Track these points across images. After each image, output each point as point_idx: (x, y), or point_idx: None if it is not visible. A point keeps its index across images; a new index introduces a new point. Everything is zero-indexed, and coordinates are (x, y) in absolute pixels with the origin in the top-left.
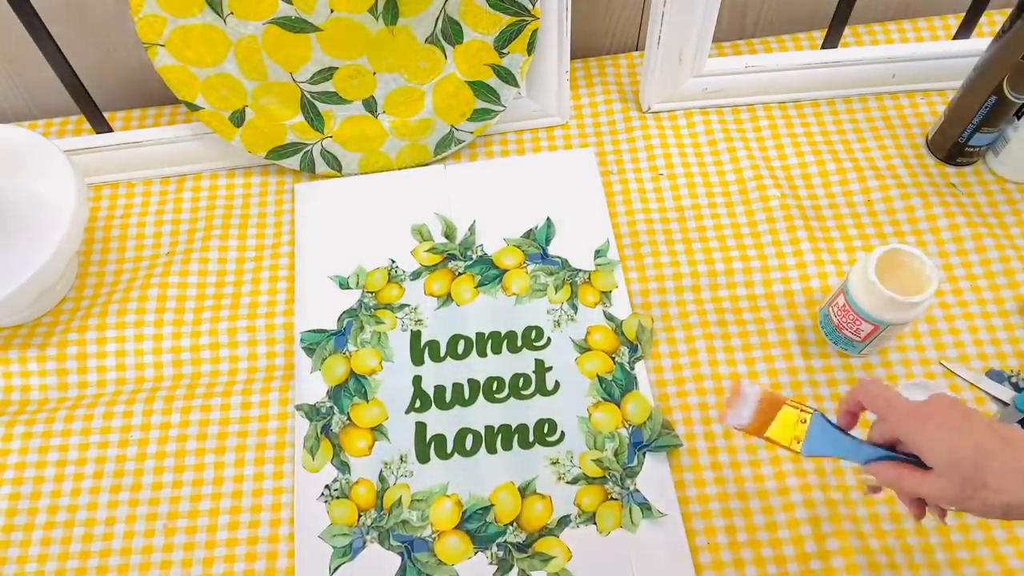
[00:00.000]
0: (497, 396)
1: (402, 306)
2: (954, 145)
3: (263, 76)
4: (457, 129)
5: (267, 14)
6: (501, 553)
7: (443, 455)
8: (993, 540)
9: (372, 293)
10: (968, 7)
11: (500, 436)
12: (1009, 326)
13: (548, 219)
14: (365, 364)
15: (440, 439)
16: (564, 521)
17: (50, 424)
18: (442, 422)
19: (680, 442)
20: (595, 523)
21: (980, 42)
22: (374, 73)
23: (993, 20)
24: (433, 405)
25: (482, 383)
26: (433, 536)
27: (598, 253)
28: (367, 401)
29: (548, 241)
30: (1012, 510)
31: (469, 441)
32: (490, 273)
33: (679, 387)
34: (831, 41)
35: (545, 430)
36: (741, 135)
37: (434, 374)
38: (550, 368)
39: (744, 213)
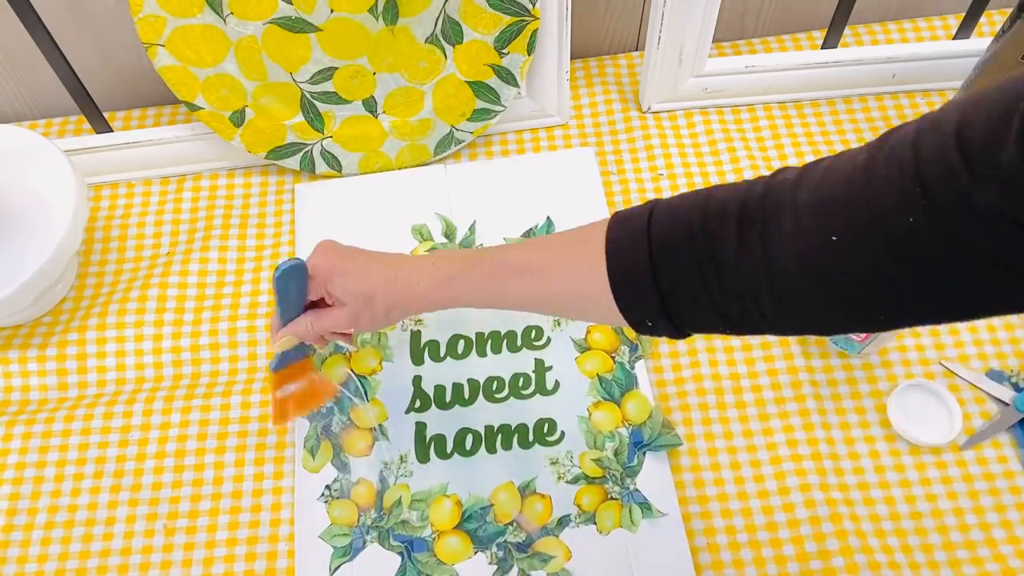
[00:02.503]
0: (497, 396)
1: None
2: None
3: (263, 76)
4: (457, 129)
5: (267, 14)
6: (501, 553)
7: (443, 455)
8: (993, 540)
9: None
10: (968, 7)
11: (500, 436)
12: (1009, 326)
13: (548, 218)
14: (365, 364)
15: (440, 439)
16: (564, 521)
17: (50, 424)
18: (442, 422)
19: (680, 442)
20: (595, 523)
21: (980, 42)
22: (374, 73)
23: (993, 20)
24: (433, 405)
25: (482, 383)
26: (433, 536)
27: None
28: (367, 401)
29: None
30: (390, 312)
31: (469, 441)
32: None
33: (679, 387)
34: (831, 41)
35: (545, 430)
36: (741, 135)
37: (434, 374)
38: (550, 368)
39: None
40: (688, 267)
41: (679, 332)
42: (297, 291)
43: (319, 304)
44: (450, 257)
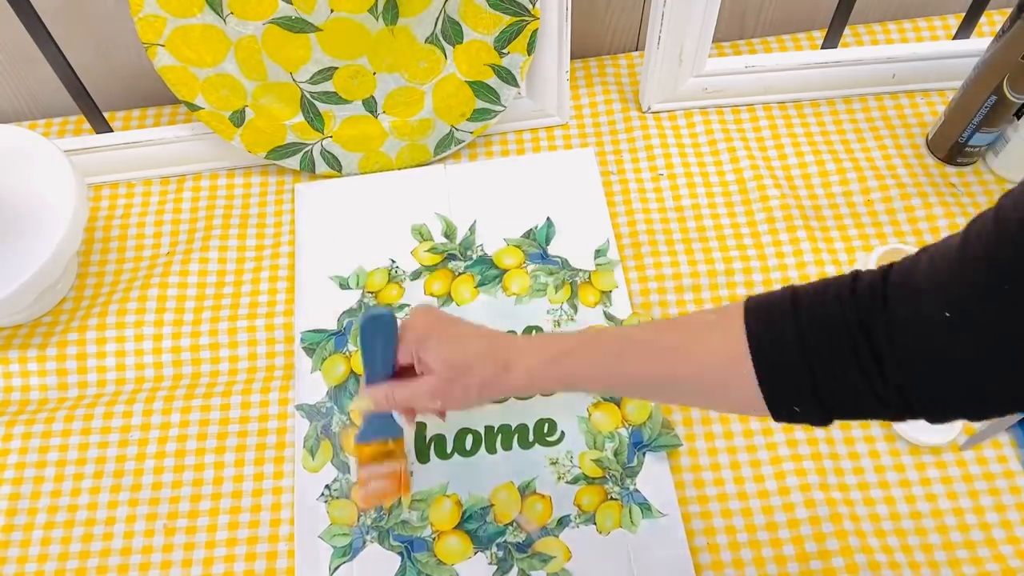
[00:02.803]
0: None
1: (402, 306)
2: (954, 145)
3: (263, 76)
4: (457, 129)
5: (267, 14)
6: (501, 553)
7: (443, 455)
8: (993, 540)
9: (372, 293)
10: (968, 7)
11: (500, 436)
12: None
13: (548, 219)
14: None
15: (440, 439)
16: (564, 521)
17: (50, 424)
18: (442, 422)
19: (680, 442)
20: (595, 523)
21: (980, 42)
22: (374, 73)
23: (993, 20)
24: None
25: None
26: (433, 536)
27: (598, 253)
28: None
29: (548, 241)
30: (484, 388)
31: (469, 441)
32: (490, 273)
33: None
34: (831, 41)
35: (545, 430)
36: (741, 135)
37: None
38: None
39: (744, 213)
40: (844, 354)
41: (826, 420)
42: (383, 347)
43: (406, 373)
44: (560, 335)
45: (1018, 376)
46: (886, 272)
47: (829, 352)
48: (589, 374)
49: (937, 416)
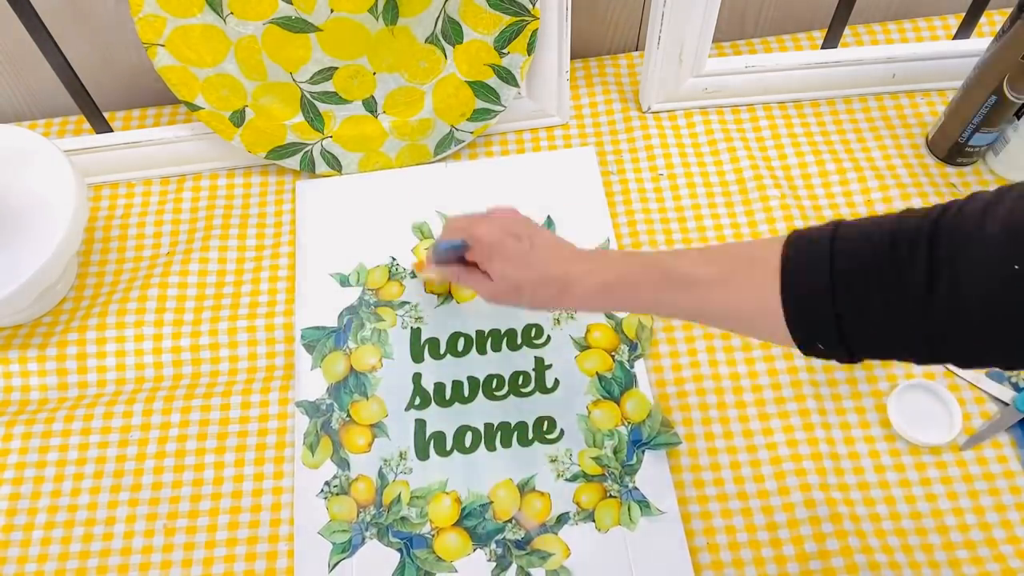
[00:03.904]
0: (497, 393)
1: (402, 303)
2: (954, 145)
3: (263, 76)
4: (457, 129)
5: (267, 14)
6: (500, 550)
7: (442, 452)
8: (993, 540)
9: (373, 290)
10: (968, 7)
11: (499, 433)
12: None
13: (549, 217)
14: (365, 361)
15: (440, 436)
16: (563, 518)
17: (50, 424)
18: (442, 419)
19: (679, 440)
20: (594, 520)
21: (980, 42)
22: (374, 73)
23: (993, 20)
24: (433, 402)
25: (482, 380)
26: (432, 533)
27: None
28: (367, 398)
29: None
30: (536, 304)
31: (468, 438)
32: None
33: (679, 387)
34: (831, 41)
35: (544, 428)
36: (741, 135)
37: (434, 371)
38: (550, 366)
39: (744, 213)
40: (873, 294)
41: (853, 358)
42: (454, 249)
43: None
44: (609, 261)
45: None
46: (966, 201)
47: (867, 272)
48: (633, 305)
49: (967, 360)
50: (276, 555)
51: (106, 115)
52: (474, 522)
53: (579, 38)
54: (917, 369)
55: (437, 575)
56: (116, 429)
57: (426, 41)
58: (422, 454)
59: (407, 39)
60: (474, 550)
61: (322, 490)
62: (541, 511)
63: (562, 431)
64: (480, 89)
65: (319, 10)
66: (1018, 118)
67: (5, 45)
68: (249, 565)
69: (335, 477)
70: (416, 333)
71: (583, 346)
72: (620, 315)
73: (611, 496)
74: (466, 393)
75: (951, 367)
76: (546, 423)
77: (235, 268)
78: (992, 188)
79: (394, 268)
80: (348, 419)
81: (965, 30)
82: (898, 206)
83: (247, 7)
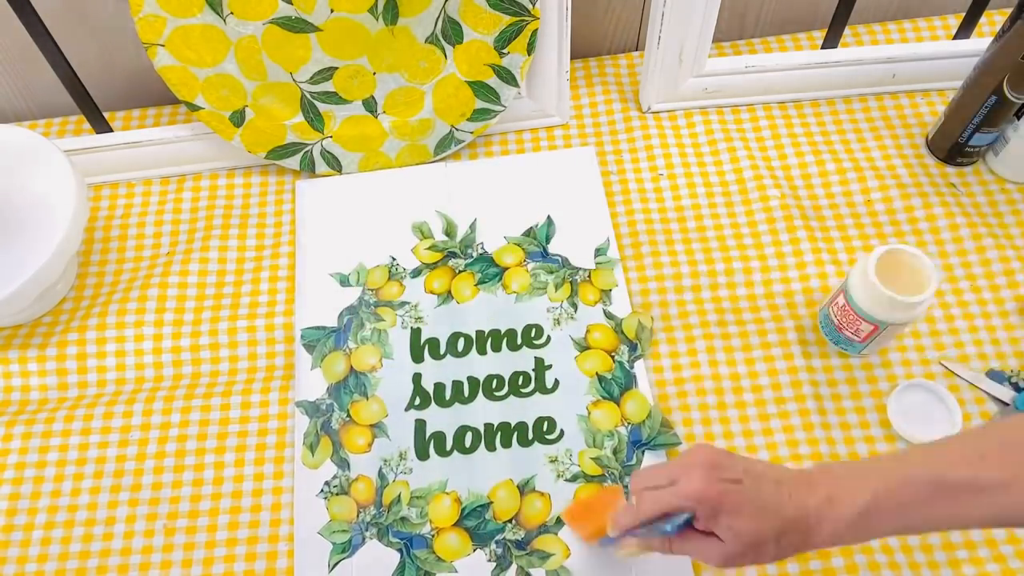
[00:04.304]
0: (497, 394)
1: (402, 303)
2: (954, 145)
3: (263, 76)
4: (457, 129)
5: (267, 14)
6: (500, 550)
7: (442, 452)
8: (993, 540)
9: (373, 290)
10: (968, 7)
11: (499, 434)
12: (1009, 326)
13: (549, 217)
14: (365, 361)
15: (440, 436)
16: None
17: (50, 424)
18: (442, 419)
19: (679, 441)
20: None
21: (980, 42)
22: (374, 73)
23: (993, 20)
24: (433, 402)
25: (482, 381)
26: (432, 533)
27: (598, 251)
28: (367, 398)
29: (548, 239)
30: (782, 556)
31: (468, 438)
32: (490, 271)
33: (679, 387)
34: (831, 41)
35: (544, 428)
36: (741, 135)
37: (434, 372)
38: (550, 366)
39: (744, 213)
40: None
41: None
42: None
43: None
44: (855, 479)
45: None
46: None
47: None
48: (897, 528)
49: None
50: (276, 555)
51: (106, 115)
52: (474, 522)
53: (579, 38)
54: (917, 369)
55: (437, 575)
56: (116, 429)
57: (426, 41)
58: (422, 454)
59: (407, 39)
60: (474, 550)
61: (322, 490)
62: (541, 511)
63: (562, 431)
64: (480, 89)
65: (319, 10)
66: (1018, 118)
67: (5, 45)
68: (249, 565)
69: (335, 477)
70: (416, 333)
71: (583, 346)
72: (620, 315)
73: None
74: (466, 393)
75: (948, 365)
76: (546, 423)
77: (235, 268)
78: (991, 188)
79: (394, 268)
80: (348, 419)
81: (965, 30)
82: (898, 206)
83: (247, 7)
